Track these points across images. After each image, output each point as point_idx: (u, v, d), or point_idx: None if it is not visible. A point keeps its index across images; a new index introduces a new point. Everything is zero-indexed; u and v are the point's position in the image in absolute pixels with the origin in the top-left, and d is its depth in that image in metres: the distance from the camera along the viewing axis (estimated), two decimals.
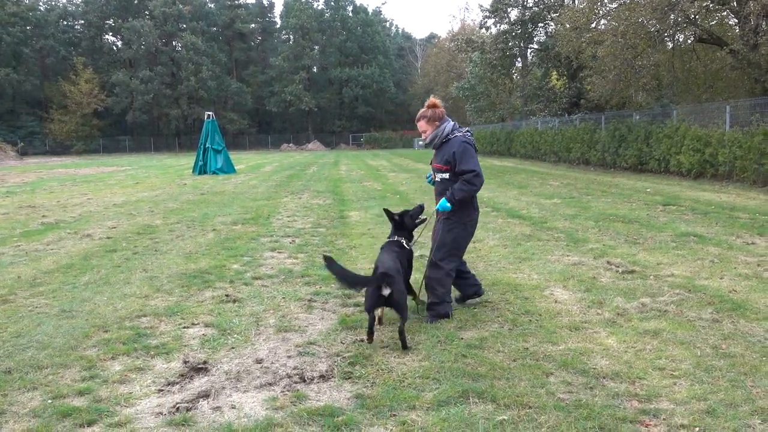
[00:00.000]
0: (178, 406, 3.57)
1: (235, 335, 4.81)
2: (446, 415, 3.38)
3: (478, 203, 5.38)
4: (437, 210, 5.16)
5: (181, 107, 73.27)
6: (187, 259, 7.70)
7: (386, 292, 4.41)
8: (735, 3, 20.45)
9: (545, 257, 7.52)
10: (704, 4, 20.95)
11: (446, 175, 5.14)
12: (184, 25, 74.81)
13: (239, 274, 6.91)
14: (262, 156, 51.65)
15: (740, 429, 3.17)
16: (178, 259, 7.75)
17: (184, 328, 5.01)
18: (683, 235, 8.83)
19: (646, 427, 3.23)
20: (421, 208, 5.41)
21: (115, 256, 7.98)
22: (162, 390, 3.82)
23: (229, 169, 26.06)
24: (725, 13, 23.08)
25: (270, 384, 3.90)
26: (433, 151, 5.38)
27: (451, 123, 5.22)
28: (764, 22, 18.61)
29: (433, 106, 5.19)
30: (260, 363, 4.24)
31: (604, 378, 3.86)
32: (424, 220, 5.38)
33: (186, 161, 37.39)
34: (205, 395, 3.73)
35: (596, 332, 4.74)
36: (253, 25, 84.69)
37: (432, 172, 5.41)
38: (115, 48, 78.03)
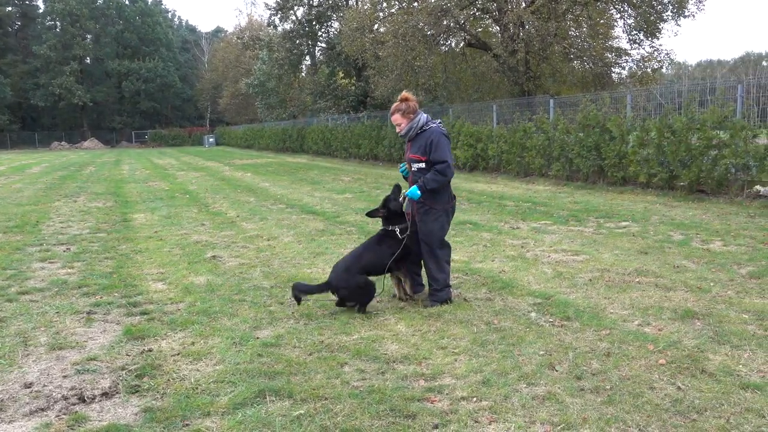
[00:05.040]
0: None
1: None
2: (242, 418, 3.31)
3: None
4: (406, 196, 5.33)
5: None
6: None
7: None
8: (496, 12, 22.78)
9: (338, 251, 7.72)
10: (471, 12, 23.06)
11: (422, 165, 5.27)
12: None
13: (1, 289, 6.08)
14: (28, 156, 45.88)
15: (510, 394, 3.55)
16: None
17: None
18: (461, 223, 9.65)
19: (432, 403, 3.47)
20: (397, 188, 5.53)
21: None
22: None
23: None
24: (489, 20, 25.62)
25: (42, 409, 3.50)
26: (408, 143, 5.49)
27: (425, 115, 5.37)
28: (520, 31, 20.98)
29: (406, 99, 5.34)
30: (29, 387, 3.78)
31: (394, 362, 4.07)
32: (405, 196, 5.43)
33: None
34: None
35: (387, 319, 5.00)
36: (9, 8, 74.79)
37: (406, 163, 5.50)
38: None
